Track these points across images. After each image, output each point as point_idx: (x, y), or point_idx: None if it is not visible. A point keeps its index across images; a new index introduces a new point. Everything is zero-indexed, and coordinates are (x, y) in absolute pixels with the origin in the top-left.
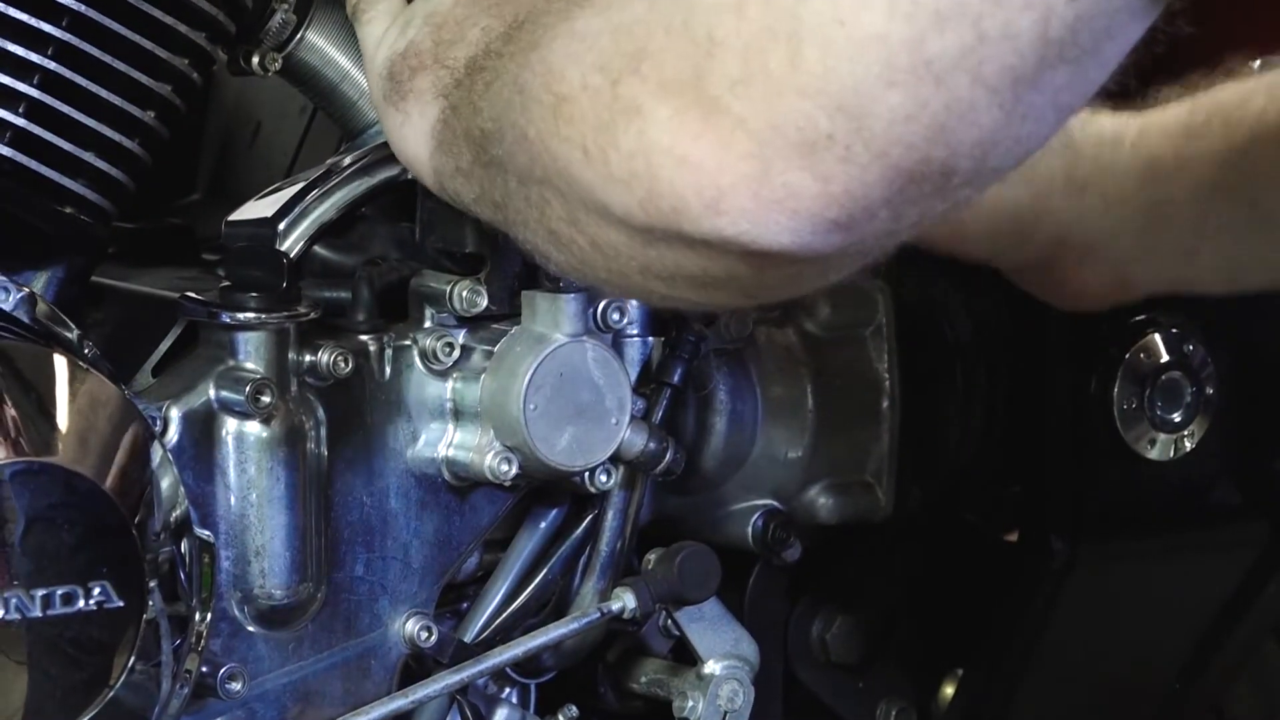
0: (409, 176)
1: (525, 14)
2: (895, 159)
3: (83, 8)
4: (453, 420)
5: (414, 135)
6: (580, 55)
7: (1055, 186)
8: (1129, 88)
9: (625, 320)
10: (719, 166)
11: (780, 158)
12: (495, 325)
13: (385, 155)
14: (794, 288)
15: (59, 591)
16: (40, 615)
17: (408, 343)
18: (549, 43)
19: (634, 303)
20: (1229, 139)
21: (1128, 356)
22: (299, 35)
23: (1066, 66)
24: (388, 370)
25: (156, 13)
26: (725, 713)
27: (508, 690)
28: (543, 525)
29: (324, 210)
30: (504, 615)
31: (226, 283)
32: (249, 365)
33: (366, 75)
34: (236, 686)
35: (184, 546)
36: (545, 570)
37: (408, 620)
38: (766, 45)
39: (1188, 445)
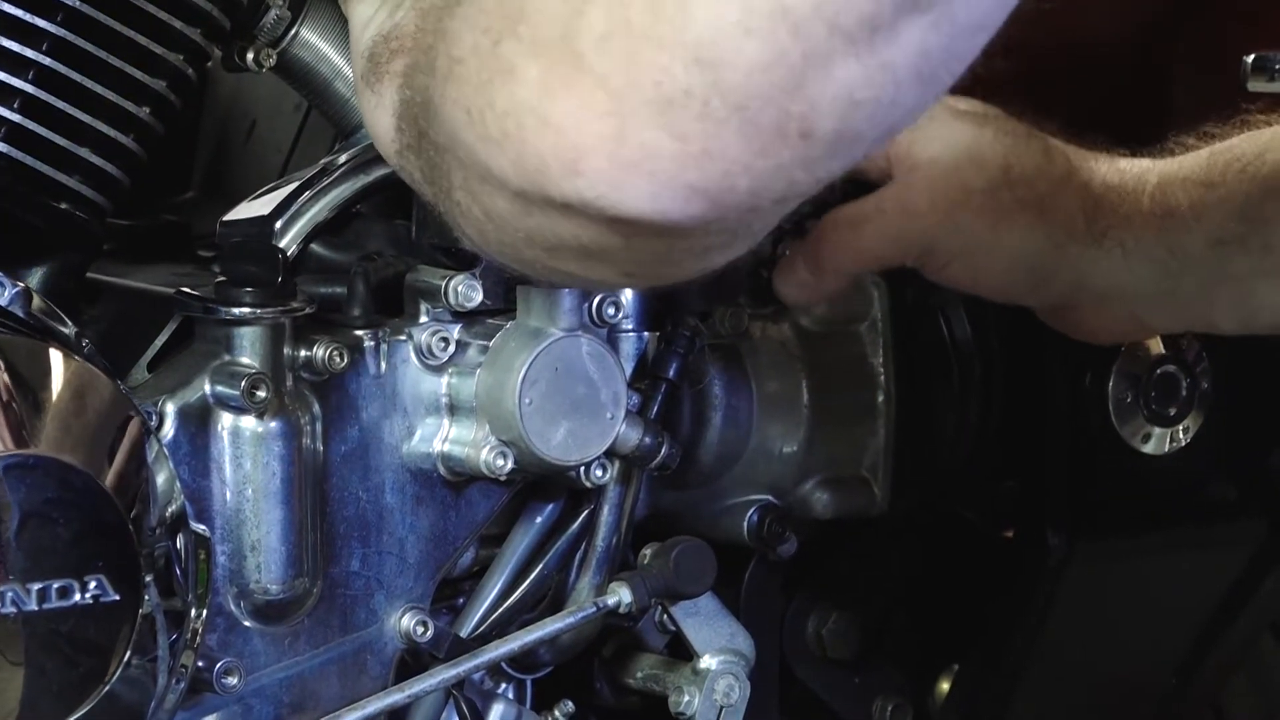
0: None
1: None
2: (753, 114)
3: (78, 4)
4: (448, 415)
5: (383, 117)
6: (473, 18)
7: (1075, 235)
8: (1145, 135)
9: (620, 315)
10: (577, 126)
11: (637, 116)
12: (490, 320)
13: (379, 153)
14: (669, 267)
15: (54, 585)
16: (36, 609)
17: (403, 338)
18: (454, 8)
19: (629, 297)
20: (1246, 190)
21: (1123, 351)
22: (293, 31)
23: (922, 17)
24: (383, 365)
25: (151, 9)
26: (721, 708)
27: (504, 685)
28: (538, 520)
29: (319, 209)
30: (500, 610)
31: (222, 278)
32: (244, 360)
33: (351, 56)
34: (232, 681)
35: (180, 541)
36: (541, 565)
37: (404, 615)
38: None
39: (1183, 439)
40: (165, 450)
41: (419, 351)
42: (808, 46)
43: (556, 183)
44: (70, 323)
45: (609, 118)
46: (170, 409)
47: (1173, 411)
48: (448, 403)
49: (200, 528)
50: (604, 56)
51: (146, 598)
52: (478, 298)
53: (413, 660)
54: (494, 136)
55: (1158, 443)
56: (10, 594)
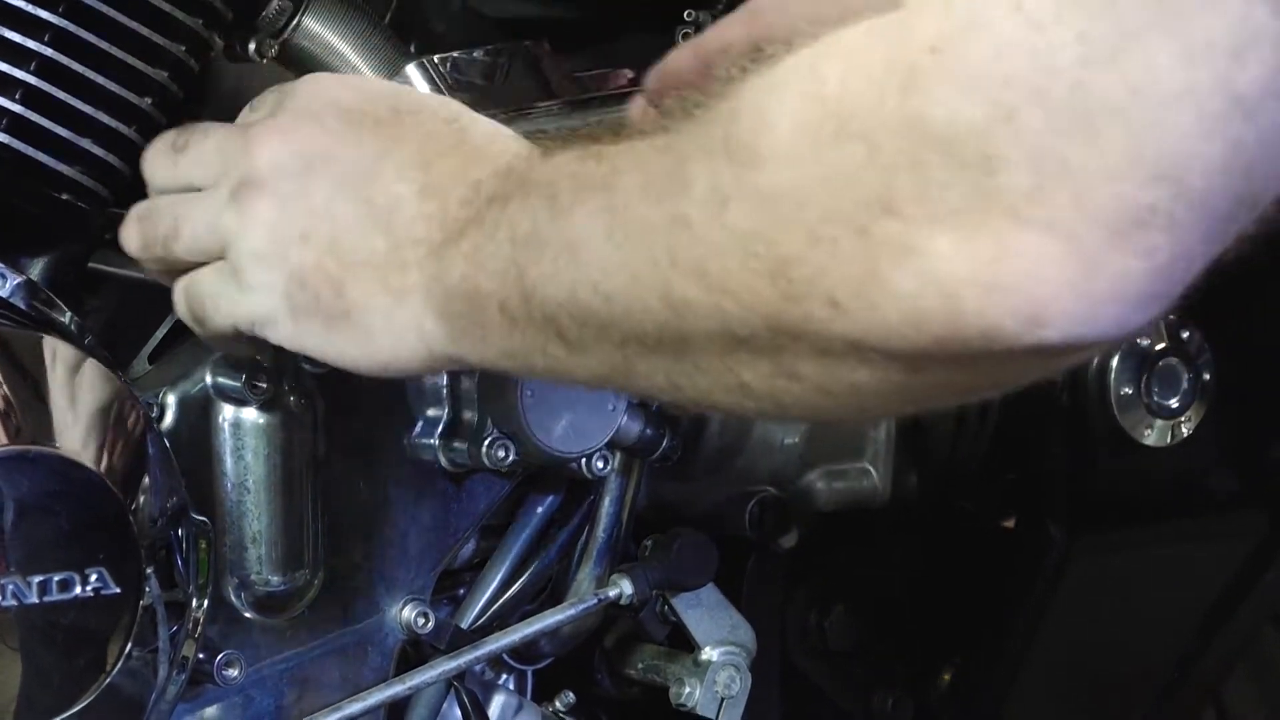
0: None
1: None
2: (1215, 207)
3: None
4: (449, 406)
5: (390, 344)
6: (794, 215)
7: None
8: None
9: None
10: (1035, 280)
11: (1103, 249)
12: None
13: None
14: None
15: (56, 578)
16: (37, 602)
17: None
18: (717, 210)
19: None
20: None
21: (1124, 342)
22: (295, 21)
23: None
24: None
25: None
26: (722, 699)
27: (505, 676)
28: (539, 511)
29: None
30: (501, 601)
31: None
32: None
33: (264, 328)
34: (233, 673)
35: (181, 533)
36: (542, 556)
37: (405, 607)
38: (1055, 143)
39: (1185, 431)
40: (166, 442)
41: None
42: (1262, 127)
43: (1014, 340)
44: (71, 314)
45: (1070, 260)
46: (171, 400)
47: (1174, 404)
48: (449, 394)
49: (201, 519)
50: (1045, 205)
51: (147, 589)
52: None
53: (414, 651)
54: (896, 320)
55: (1159, 435)
56: (11, 586)
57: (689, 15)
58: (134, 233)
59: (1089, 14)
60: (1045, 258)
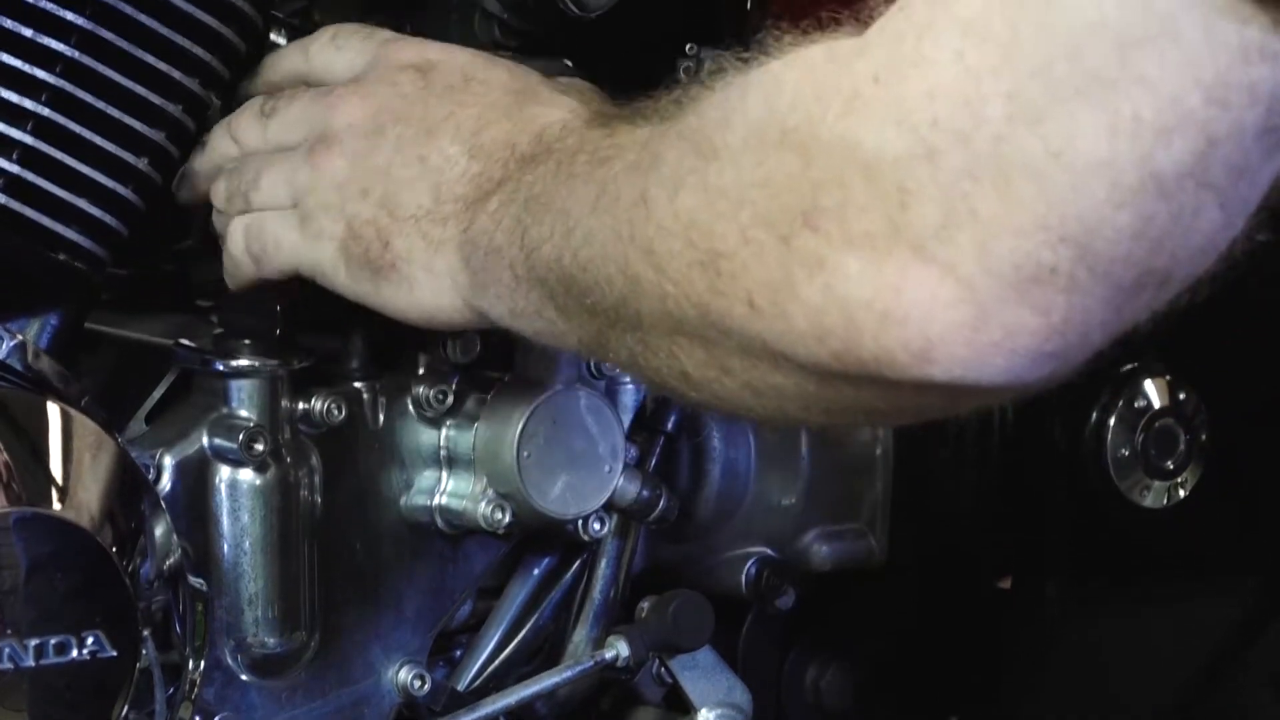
0: None
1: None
2: (1118, 278)
3: (77, 54)
4: (446, 468)
5: (429, 295)
6: (731, 212)
7: None
8: None
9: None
10: (927, 317)
11: (996, 300)
12: (489, 373)
13: None
14: (953, 412)
15: (52, 641)
16: (34, 665)
17: (401, 390)
18: (672, 194)
19: None
20: None
21: (1121, 404)
22: None
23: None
24: (381, 418)
25: (150, 59)
26: None
27: None
28: (536, 573)
29: None
30: (497, 663)
31: (220, 330)
32: (242, 413)
33: (323, 276)
34: None
35: (178, 595)
36: (538, 618)
37: (401, 668)
38: (969, 189)
39: (1181, 493)
40: (163, 503)
41: (417, 404)
42: (1176, 207)
43: (902, 371)
44: (68, 375)
45: (963, 305)
46: (168, 461)
47: (1171, 465)
48: (446, 455)
49: (198, 581)
50: (948, 246)
51: (144, 652)
52: (476, 350)
53: (410, 714)
54: (803, 329)
55: (1156, 496)
56: (7, 649)
57: (690, 49)
58: (221, 186)
59: (1024, 74)
60: (940, 297)
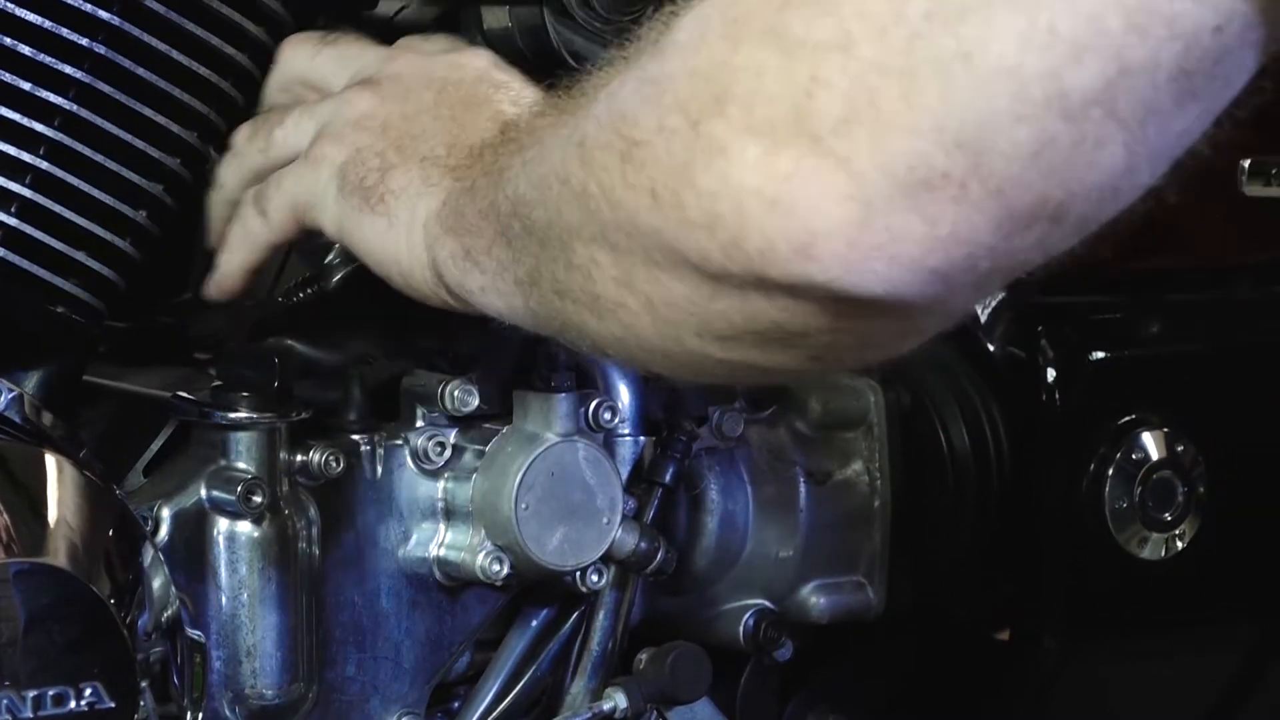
0: None
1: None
2: (1011, 199)
3: (75, 107)
4: (444, 520)
5: (403, 235)
6: (655, 98)
7: None
8: None
9: (617, 420)
10: (813, 209)
11: (885, 200)
12: (487, 425)
13: None
14: (864, 351)
15: (50, 692)
16: (32, 716)
17: (399, 442)
18: (616, 90)
19: (626, 402)
20: None
21: (1119, 456)
22: None
23: (1195, 104)
24: (379, 470)
25: (148, 111)
26: None
27: None
28: (534, 624)
29: None
30: (495, 715)
31: (218, 382)
32: (240, 465)
33: (314, 208)
34: None
35: (176, 646)
36: (536, 669)
37: None
38: (876, 83)
39: (1179, 545)
40: (161, 555)
41: (415, 456)
42: (1079, 134)
43: (782, 265)
44: (66, 427)
45: (851, 201)
46: (166, 514)
47: (1169, 517)
48: (444, 507)
49: (196, 633)
50: (845, 140)
51: (142, 704)
52: (474, 402)
53: None
54: (696, 219)
55: (1154, 548)
56: (5, 701)
57: None
58: (248, 125)
59: None
60: (830, 191)
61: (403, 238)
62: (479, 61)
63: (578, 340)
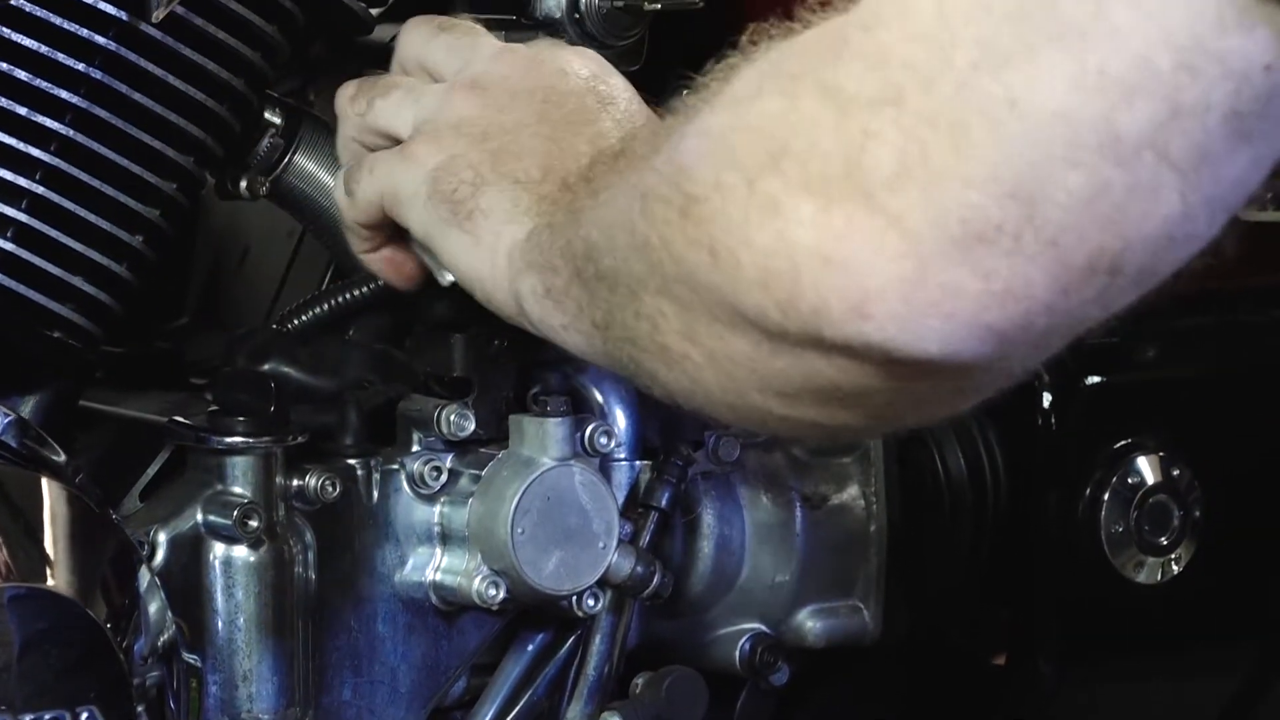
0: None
1: (640, 125)
2: (1066, 250)
3: (70, 132)
4: (440, 544)
5: (488, 258)
6: (711, 153)
7: None
8: None
9: (613, 444)
10: (867, 267)
11: (939, 255)
12: (483, 449)
13: None
14: (921, 410)
15: (46, 716)
16: None
17: (395, 467)
18: (676, 144)
19: (622, 427)
20: None
21: (1115, 480)
22: (287, 159)
23: (1248, 148)
24: (375, 494)
25: (144, 137)
26: None
27: None
28: (530, 649)
29: None
30: None
31: (214, 407)
32: (237, 490)
33: (402, 204)
34: None
35: (172, 671)
36: (532, 694)
37: None
38: (927, 136)
39: (1175, 569)
40: (157, 580)
41: (411, 481)
42: (1134, 179)
43: (838, 325)
44: (62, 452)
45: (905, 259)
46: (162, 538)
47: (1165, 541)
48: (440, 532)
49: (192, 657)
50: (898, 195)
51: None
52: (470, 427)
53: None
54: (753, 277)
55: (1150, 572)
56: None
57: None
58: (352, 84)
59: (999, 18)
60: (883, 248)
61: (486, 260)
62: (586, 69)
63: (653, 387)
